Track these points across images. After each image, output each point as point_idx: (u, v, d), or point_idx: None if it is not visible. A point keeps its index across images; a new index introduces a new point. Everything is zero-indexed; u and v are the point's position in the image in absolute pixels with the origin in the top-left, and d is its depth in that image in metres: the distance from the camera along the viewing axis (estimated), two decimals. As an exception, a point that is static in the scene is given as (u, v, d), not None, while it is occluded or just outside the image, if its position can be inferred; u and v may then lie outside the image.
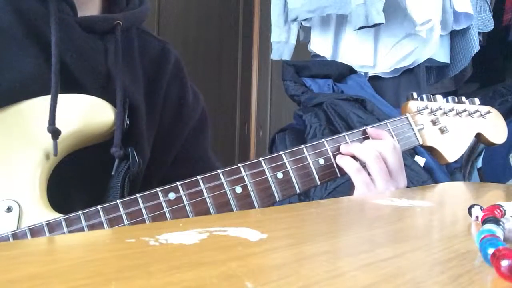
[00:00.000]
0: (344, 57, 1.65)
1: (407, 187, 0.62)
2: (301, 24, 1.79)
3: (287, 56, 1.78)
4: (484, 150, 1.65)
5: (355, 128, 0.64)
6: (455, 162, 1.53)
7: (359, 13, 1.45)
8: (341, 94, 1.45)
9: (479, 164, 1.68)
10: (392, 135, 0.65)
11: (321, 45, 1.70)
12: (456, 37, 1.67)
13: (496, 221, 0.27)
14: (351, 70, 1.58)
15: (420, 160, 1.26)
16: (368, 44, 1.61)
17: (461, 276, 0.21)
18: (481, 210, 0.34)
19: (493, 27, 1.67)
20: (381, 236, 0.30)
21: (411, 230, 0.33)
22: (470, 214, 0.36)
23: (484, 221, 0.28)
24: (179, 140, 0.69)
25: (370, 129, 0.64)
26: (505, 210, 0.33)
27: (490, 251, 0.22)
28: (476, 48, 1.62)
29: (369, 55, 1.61)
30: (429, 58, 1.58)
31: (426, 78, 1.73)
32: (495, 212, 0.32)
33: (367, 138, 0.63)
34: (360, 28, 1.47)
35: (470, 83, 1.93)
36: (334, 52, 1.68)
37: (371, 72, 1.64)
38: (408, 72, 1.60)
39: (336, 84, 1.52)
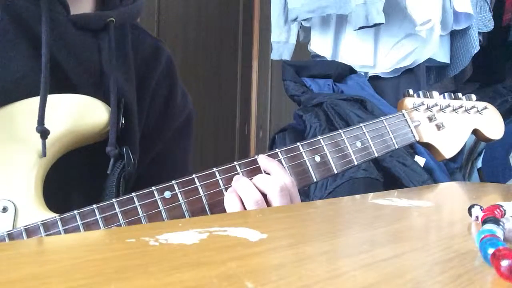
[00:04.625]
0: (344, 57, 1.65)
1: (407, 187, 0.62)
2: (301, 24, 1.79)
3: (287, 56, 1.78)
4: (484, 150, 1.65)
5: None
6: (455, 162, 1.53)
7: (359, 13, 1.45)
8: (341, 94, 1.45)
9: (479, 164, 1.68)
10: (284, 167, 0.56)
11: (321, 45, 1.70)
12: (456, 37, 1.67)
13: (496, 221, 0.27)
14: (351, 70, 1.58)
15: (420, 160, 1.26)
16: (368, 44, 1.61)
17: (461, 276, 0.21)
18: (481, 210, 0.34)
19: (493, 27, 1.67)
20: (381, 236, 0.30)
21: (411, 230, 0.33)
22: (470, 214, 0.36)
23: (484, 221, 0.28)
24: (161, 140, 0.68)
25: (261, 159, 0.56)
26: (505, 210, 0.33)
27: (490, 251, 0.22)
28: (476, 48, 1.62)
29: (369, 55, 1.61)
30: (429, 58, 1.58)
31: (426, 78, 1.73)
32: (495, 212, 0.32)
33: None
34: (360, 28, 1.47)
35: (470, 83, 1.93)
36: (334, 52, 1.68)
37: (371, 72, 1.64)
38: (408, 72, 1.60)
39: (336, 84, 1.52)
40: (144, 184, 0.53)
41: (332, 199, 0.48)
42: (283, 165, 0.57)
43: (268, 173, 0.56)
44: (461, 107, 0.68)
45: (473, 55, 1.63)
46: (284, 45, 1.78)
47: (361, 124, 0.63)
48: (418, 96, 0.68)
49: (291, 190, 0.54)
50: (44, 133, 0.52)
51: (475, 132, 0.69)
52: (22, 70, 0.55)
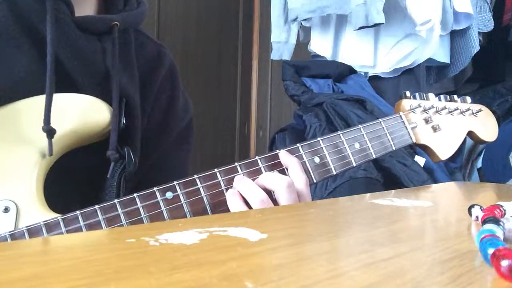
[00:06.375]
0: (344, 57, 1.65)
1: (407, 187, 0.62)
2: (301, 24, 1.79)
3: (287, 56, 1.78)
4: (484, 150, 1.65)
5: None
6: (455, 162, 1.53)
7: (359, 13, 1.45)
8: (341, 94, 1.45)
9: (479, 164, 1.68)
10: (304, 161, 0.58)
11: (321, 45, 1.70)
12: (456, 37, 1.67)
13: (496, 221, 0.27)
14: (351, 70, 1.58)
15: (420, 160, 1.26)
16: (368, 44, 1.61)
17: (461, 276, 0.21)
18: (481, 210, 0.34)
19: (493, 27, 1.67)
20: (381, 236, 0.30)
21: (411, 230, 0.33)
22: (470, 214, 0.36)
23: (484, 221, 0.28)
24: (162, 145, 0.68)
25: (282, 154, 0.57)
26: (505, 210, 0.33)
27: (490, 251, 0.22)
28: (476, 48, 1.62)
29: (369, 55, 1.61)
30: (429, 58, 1.58)
31: (426, 78, 1.73)
32: (495, 212, 0.32)
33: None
34: (360, 28, 1.47)
35: (470, 83, 1.93)
36: (334, 52, 1.68)
37: (371, 72, 1.64)
38: (408, 72, 1.60)
39: (336, 84, 1.52)
40: (142, 188, 0.53)
41: (332, 199, 0.48)
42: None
43: (286, 168, 0.57)
44: (456, 109, 0.69)
45: (473, 55, 1.63)
46: (284, 45, 1.78)
47: (360, 126, 0.63)
48: (415, 98, 0.69)
49: (303, 188, 0.55)
50: (50, 132, 0.52)
51: (470, 134, 0.70)
52: (25, 70, 0.55)
